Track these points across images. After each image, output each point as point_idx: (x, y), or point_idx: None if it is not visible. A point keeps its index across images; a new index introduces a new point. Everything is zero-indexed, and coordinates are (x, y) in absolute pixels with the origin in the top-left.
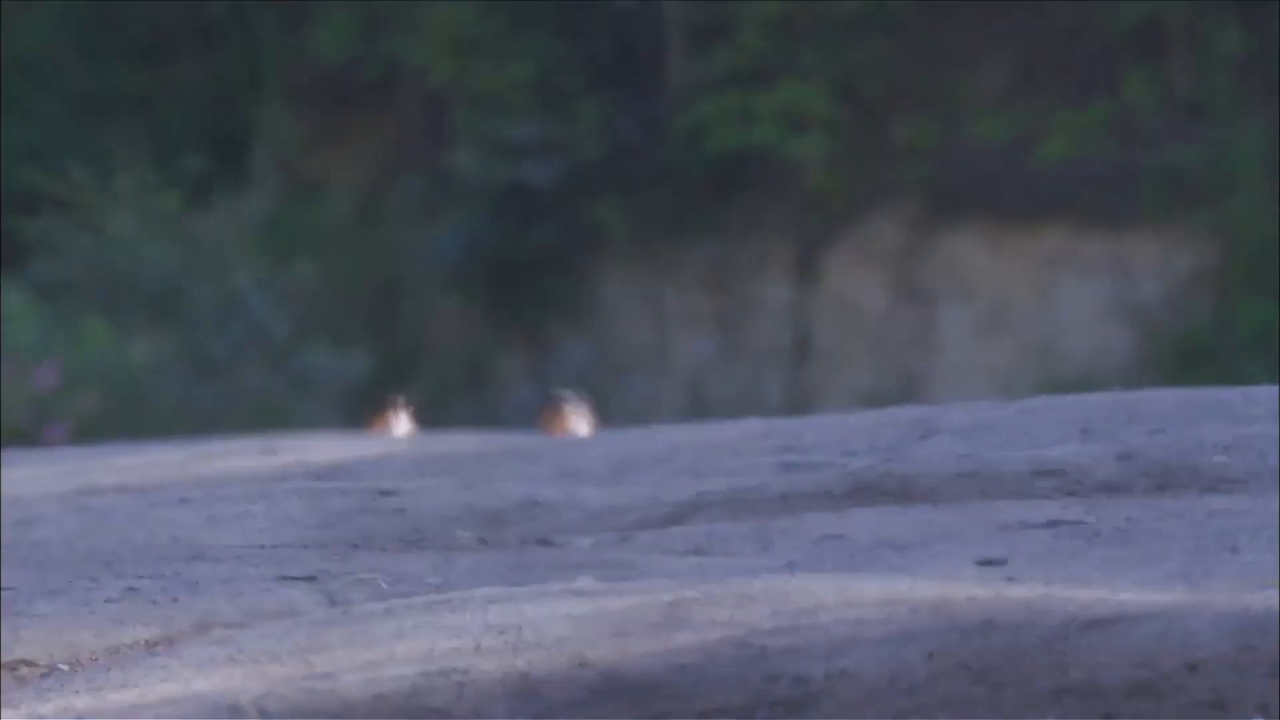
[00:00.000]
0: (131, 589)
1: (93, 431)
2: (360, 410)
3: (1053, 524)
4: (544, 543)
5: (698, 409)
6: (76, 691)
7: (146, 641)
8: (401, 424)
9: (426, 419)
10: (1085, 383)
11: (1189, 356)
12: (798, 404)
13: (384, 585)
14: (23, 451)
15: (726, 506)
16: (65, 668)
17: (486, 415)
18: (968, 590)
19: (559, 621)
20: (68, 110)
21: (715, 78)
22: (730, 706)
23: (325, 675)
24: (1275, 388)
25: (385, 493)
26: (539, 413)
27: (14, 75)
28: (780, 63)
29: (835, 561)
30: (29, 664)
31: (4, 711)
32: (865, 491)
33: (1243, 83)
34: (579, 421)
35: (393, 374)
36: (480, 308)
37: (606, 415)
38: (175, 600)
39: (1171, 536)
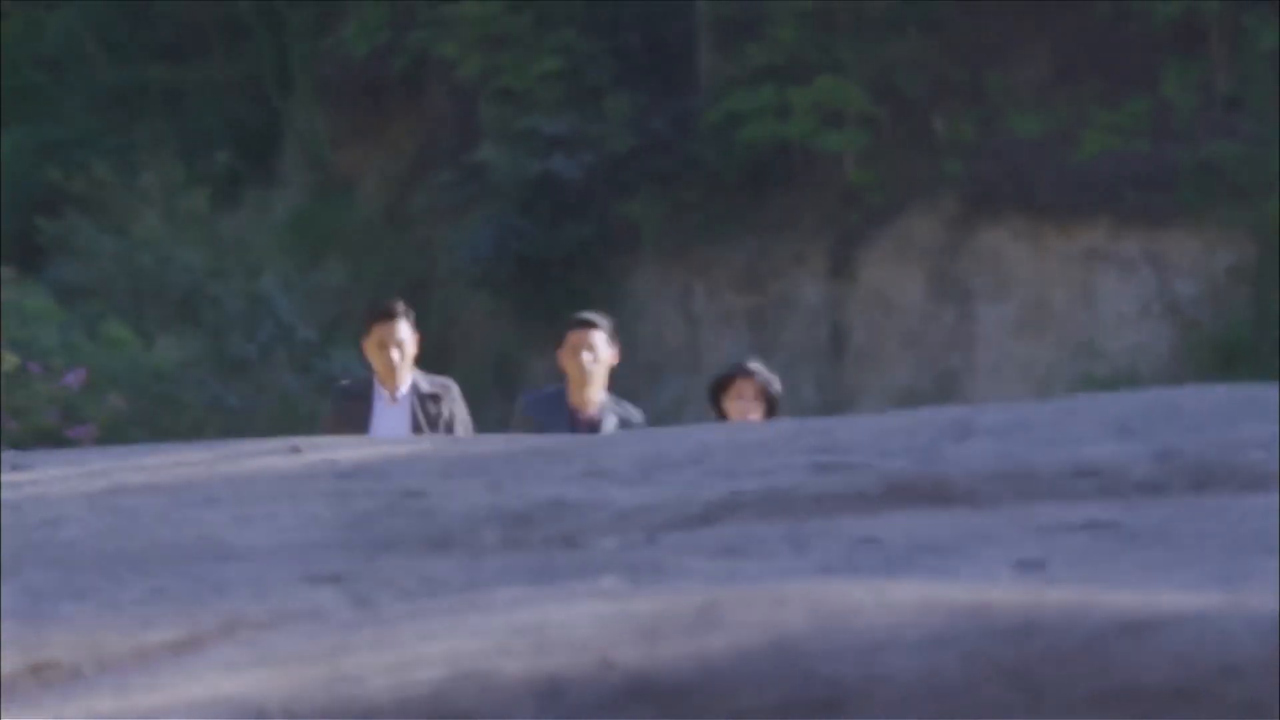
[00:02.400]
0: (158, 590)
1: (119, 432)
2: None
3: (1091, 525)
4: (571, 543)
5: None
6: (102, 693)
7: (173, 643)
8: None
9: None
10: (1123, 380)
11: (1227, 353)
12: (833, 403)
13: (410, 587)
14: (49, 452)
15: (759, 507)
16: (91, 669)
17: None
18: (1005, 593)
19: (585, 623)
20: (94, 107)
21: (748, 72)
22: (763, 709)
23: (352, 677)
24: None
25: (412, 493)
26: (561, 338)
27: (40, 72)
28: (815, 57)
29: (870, 563)
30: (55, 665)
31: (30, 713)
32: (901, 493)
33: None
34: (602, 344)
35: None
36: (510, 305)
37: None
38: (202, 601)
39: (1210, 537)
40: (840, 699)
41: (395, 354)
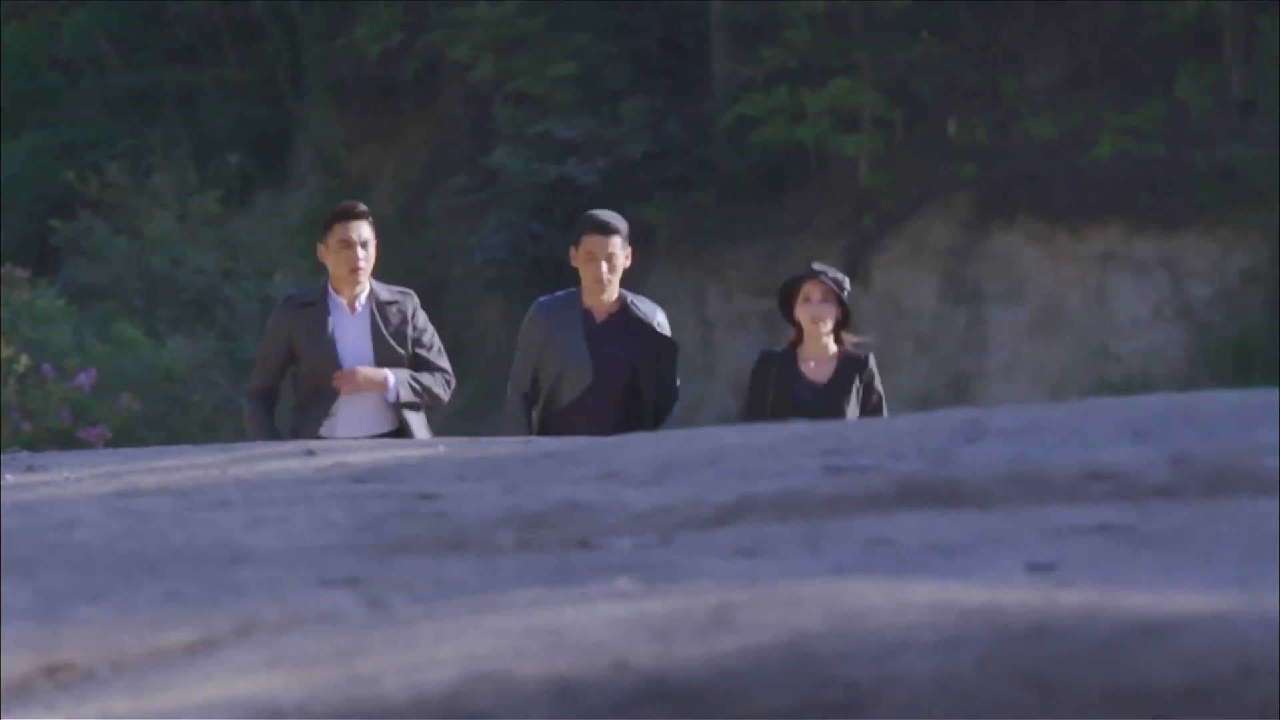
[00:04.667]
0: (172, 592)
1: (131, 433)
2: None
3: (1104, 528)
4: (585, 545)
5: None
6: (117, 695)
7: (187, 645)
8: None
9: (470, 420)
10: (1137, 383)
11: (1242, 357)
12: None
13: (425, 589)
14: (62, 454)
15: (773, 509)
16: (106, 671)
17: None
18: (1018, 595)
19: (600, 624)
20: (108, 109)
21: (762, 75)
22: (778, 711)
23: (366, 679)
24: None
25: (426, 496)
26: (577, 238)
27: (55, 75)
28: (829, 60)
29: (884, 565)
30: (70, 667)
31: (45, 714)
32: (914, 494)
33: None
34: (620, 251)
35: None
36: (524, 308)
37: None
38: (216, 603)
39: (1224, 540)
40: (854, 700)
41: (360, 253)
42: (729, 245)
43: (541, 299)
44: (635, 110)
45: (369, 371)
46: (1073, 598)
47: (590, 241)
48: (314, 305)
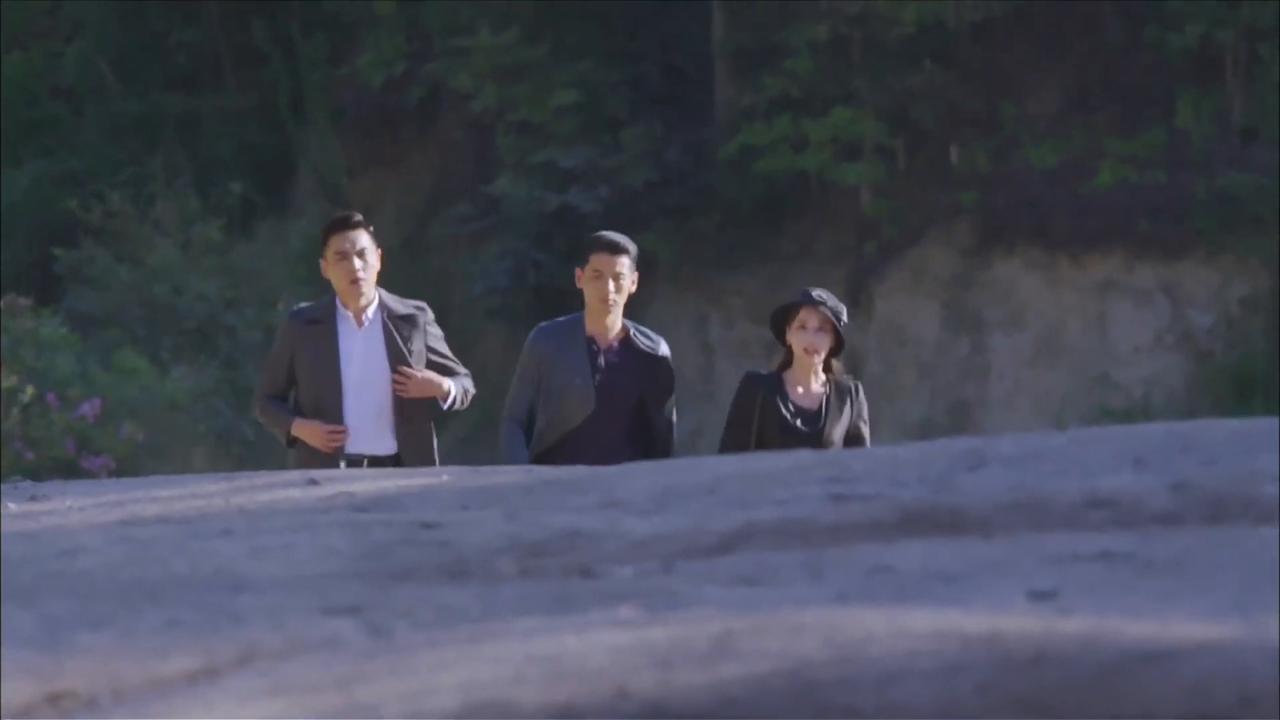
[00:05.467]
0: (174, 620)
1: (134, 462)
2: None
3: (1105, 555)
4: (587, 573)
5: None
6: None
7: (189, 673)
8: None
9: (472, 449)
10: (1138, 411)
11: (1242, 385)
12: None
13: (426, 617)
14: (65, 482)
15: (775, 537)
16: (108, 699)
17: None
18: (1019, 623)
19: (601, 652)
20: (110, 138)
21: (764, 104)
22: None
23: (368, 706)
24: None
25: (428, 524)
26: (584, 258)
27: (58, 103)
28: (831, 89)
29: (885, 593)
30: (71, 695)
31: None
32: (915, 522)
33: None
34: (628, 272)
35: None
36: (525, 335)
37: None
38: (218, 632)
39: (1225, 568)
40: None
41: (357, 263)
42: (730, 273)
43: (543, 324)
44: (636, 138)
45: (431, 375)
46: (1073, 625)
47: (598, 260)
48: (321, 323)
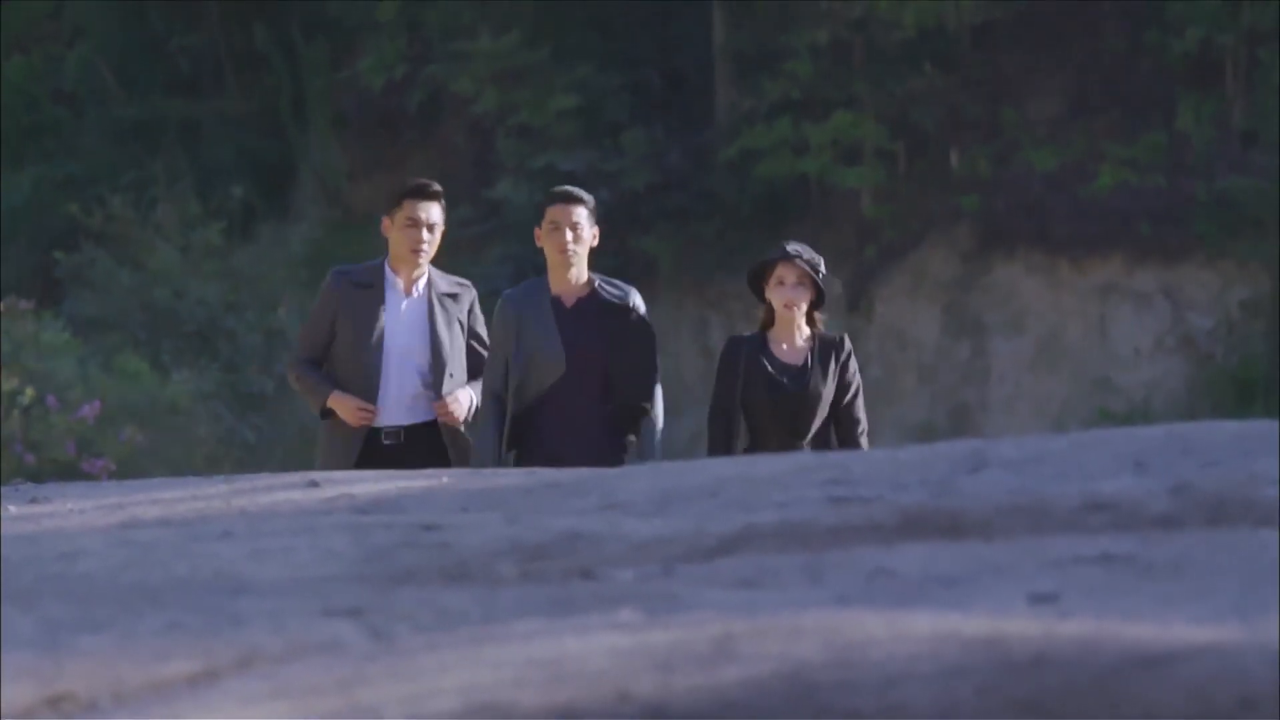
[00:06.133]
0: (175, 623)
1: (135, 465)
2: None
3: (1105, 558)
4: (587, 576)
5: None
6: None
7: (189, 675)
8: None
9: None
10: (1138, 415)
11: (1243, 388)
12: None
13: (427, 619)
14: (66, 485)
15: (775, 539)
16: (108, 702)
17: None
18: (1019, 626)
19: (601, 655)
20: (111, 142)
21: (765, 107)
22: None
23: (368, 709)
24: None
25: (429, 527)
26: (539, 215)
27: (56, 106)
28: (831, 93)
29: (885, 596)
30: (71, 698)
31: None
32: (916, 525)
33: None
34: (585, 221)
35: None
36: None
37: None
38: (218, 634)
39: (1226, 571)
40: None
41: (425, 234)
42: (731, 276)
43: (508, 290)
44: (637, 142)
45: (464, 400)
46: (1074, 628)
47: (554, 211)
48: (369, 286)
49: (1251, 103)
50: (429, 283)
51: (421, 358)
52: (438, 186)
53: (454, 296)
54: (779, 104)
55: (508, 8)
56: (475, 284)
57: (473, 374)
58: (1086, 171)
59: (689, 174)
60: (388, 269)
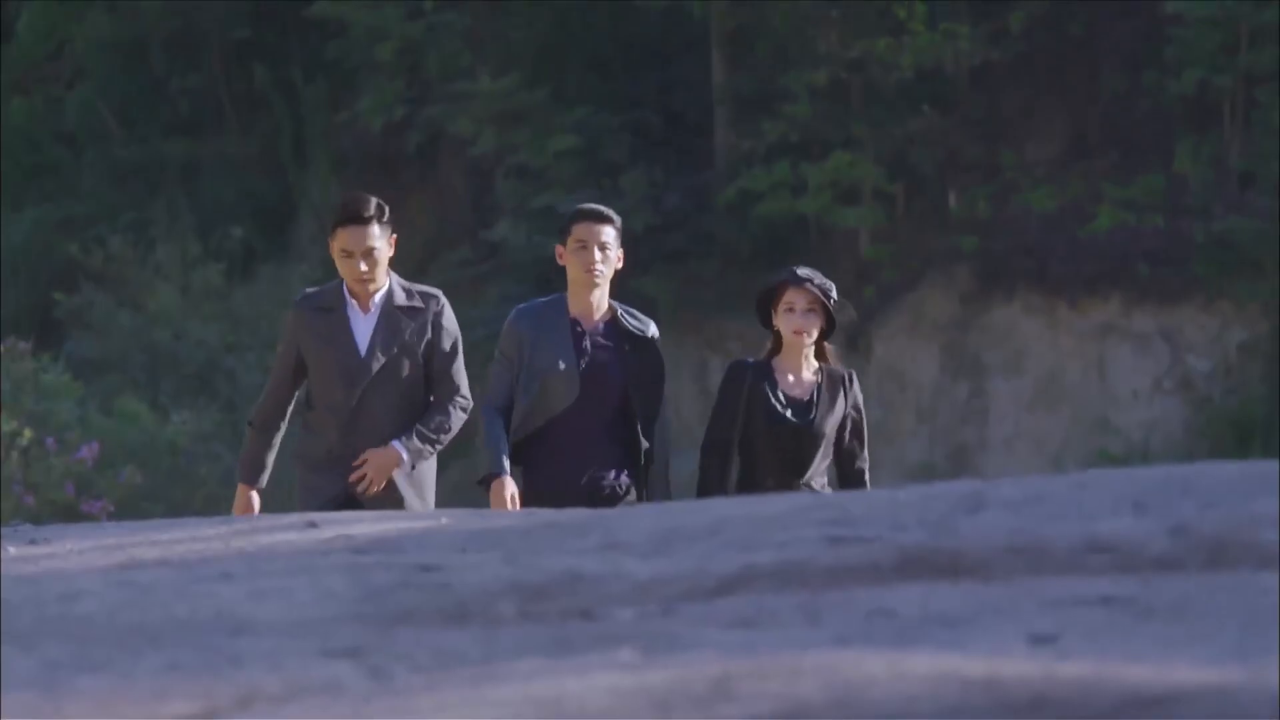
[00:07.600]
0: (174, 664)
1: (134, 506)
2: None
3: (1105, 600)
4: (587, 616)
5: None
6: None
7: (189, 716)
8: None
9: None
10: (1137, 456)
11: (1241, 429)
12: None
13: (426, 660)
14: (65, 526)
15: (774, 579)
16: None
17: None
18: (1018, 667)
19: (601, 695)
20: (111, 183)
21: (764, 148)
22: None
23: None
24: None
25: (428, 567)
26: (565, 231)
27: (57, 147)
28: (830, 134)
29: (884, 636)
30: None
31: None
32: (915, 566)
33: None
34: (613, 242)
35: None
36: None
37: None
38: (218, 675)
39: (1225, 613)
40: None
41: (362, 266)
42: (730, 316)
43: (522, 305)
44: (636, 183)
45: (380, 460)
46: (1073, 670)
47: (582, 229)
48: (330, 310)
49: (1249, 144)
50: (388, 295)
51: (382, 378)
52: (369, 210)
53: (413, 311)
54: (778, 145)
55: (507, 49)
56: (474, 326)
57: (438, 387)
58: (1085, 212)
59: (688, 215)
60: (345, 290)
